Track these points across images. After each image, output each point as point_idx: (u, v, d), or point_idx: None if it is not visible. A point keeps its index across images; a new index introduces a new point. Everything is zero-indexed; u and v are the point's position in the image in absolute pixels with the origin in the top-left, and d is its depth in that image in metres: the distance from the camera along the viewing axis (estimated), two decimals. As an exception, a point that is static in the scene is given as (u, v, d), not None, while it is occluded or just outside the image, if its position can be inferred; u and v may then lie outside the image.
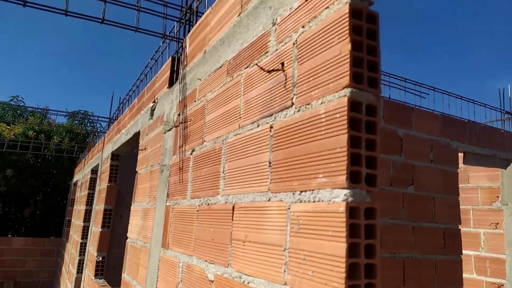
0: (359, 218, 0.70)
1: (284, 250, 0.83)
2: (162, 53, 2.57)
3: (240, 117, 1.14)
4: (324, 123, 0.78)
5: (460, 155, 3.15)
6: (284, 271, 0.81)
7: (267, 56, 1.04)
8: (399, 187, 2.54)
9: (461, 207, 3.92)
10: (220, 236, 1.12)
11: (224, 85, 1.29)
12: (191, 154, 1.48)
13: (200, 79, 1.53)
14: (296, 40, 0.93)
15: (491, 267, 3.55)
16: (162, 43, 2.59)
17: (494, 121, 3.54)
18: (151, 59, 2.84)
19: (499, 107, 3.62)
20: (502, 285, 3.42)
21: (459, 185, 4.04)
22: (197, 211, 1.32)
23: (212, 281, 1.13)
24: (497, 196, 3.65)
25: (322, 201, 0.74)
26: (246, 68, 1.15)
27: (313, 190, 0.78)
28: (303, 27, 0.90)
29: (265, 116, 1.00)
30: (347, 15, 0.76)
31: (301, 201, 0.81)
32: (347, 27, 0.75)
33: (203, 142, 1.39)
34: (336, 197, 0.71)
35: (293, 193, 0.83)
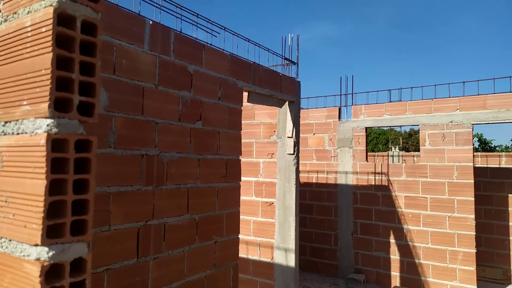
0: (68, 152, 0.62)
1: (-14, 193, 0.68)
2: None
3: None
4: (30, 39, 0.63)
5: (245, 94, 3.47)
6: (-15, 218, 0.68)
7: None
8: (187, 122, 2.62)
9: (247, 140, 4.46)
10: None
11: None
12: None
13: None
14: None
15: (266, 189, 4.25)
16: None
17: (275, 65, 4.01)
18: None
19: (281, 53, 4.10)
20: (272, 203, 4.16)
21: (247, 121, 4.55)
22: None
23: None
24: (274, 131, 4.29)
25: (26, 133, 0.63)
26: None
27: (17, 120, 0.64)
28: None
29: (-30, 26, 0.77)
30: None
31: (5, 134, 0.67)
32: None
33: None
34: (39, 128, 0.60)
35: (-3, 125, 0.68)
